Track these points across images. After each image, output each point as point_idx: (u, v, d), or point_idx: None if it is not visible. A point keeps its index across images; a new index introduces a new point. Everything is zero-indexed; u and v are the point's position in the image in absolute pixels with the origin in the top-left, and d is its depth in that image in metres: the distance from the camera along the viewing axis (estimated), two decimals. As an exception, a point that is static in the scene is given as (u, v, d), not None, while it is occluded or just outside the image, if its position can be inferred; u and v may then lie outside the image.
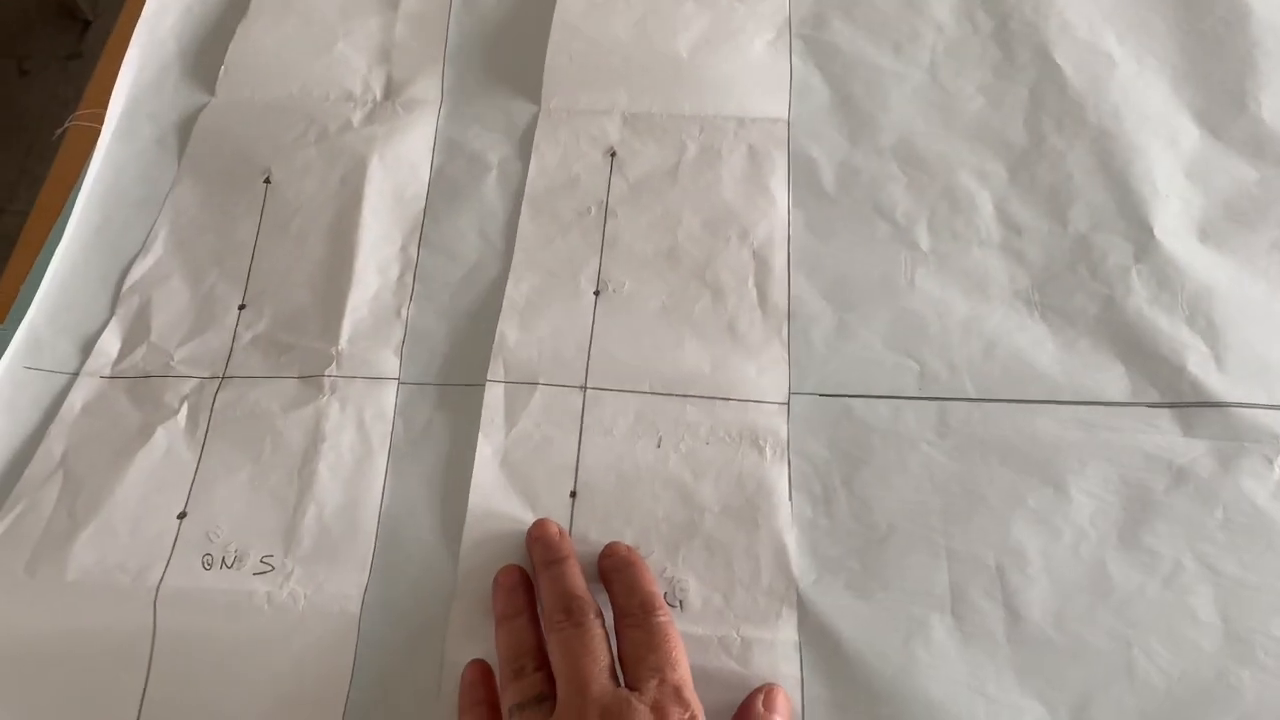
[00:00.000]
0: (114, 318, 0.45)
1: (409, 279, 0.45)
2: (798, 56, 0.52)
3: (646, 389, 0.42)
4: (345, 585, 0.38)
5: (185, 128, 0.51)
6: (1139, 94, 0.51)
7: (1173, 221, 0.47)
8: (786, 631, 0.37)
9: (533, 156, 0.48)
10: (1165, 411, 0.42)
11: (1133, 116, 0.50)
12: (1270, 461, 0.40)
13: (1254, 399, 0.42)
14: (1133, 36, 0.53)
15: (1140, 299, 0.45)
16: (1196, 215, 0.47)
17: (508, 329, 0.43)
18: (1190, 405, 0.42)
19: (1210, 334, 0.44)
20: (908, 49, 0.53)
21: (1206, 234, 0.46)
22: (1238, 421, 0.41)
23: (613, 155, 0.48)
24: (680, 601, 0.38)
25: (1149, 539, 0.39)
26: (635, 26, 0.51)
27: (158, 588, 0.38)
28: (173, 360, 0.44)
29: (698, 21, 0.51)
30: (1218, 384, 0.42)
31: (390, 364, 0.43)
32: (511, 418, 0.41)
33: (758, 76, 0.50)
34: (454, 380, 0.43)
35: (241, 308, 0.45)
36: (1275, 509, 0.40)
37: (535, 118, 0.49)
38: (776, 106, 0.49)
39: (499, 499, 0.39)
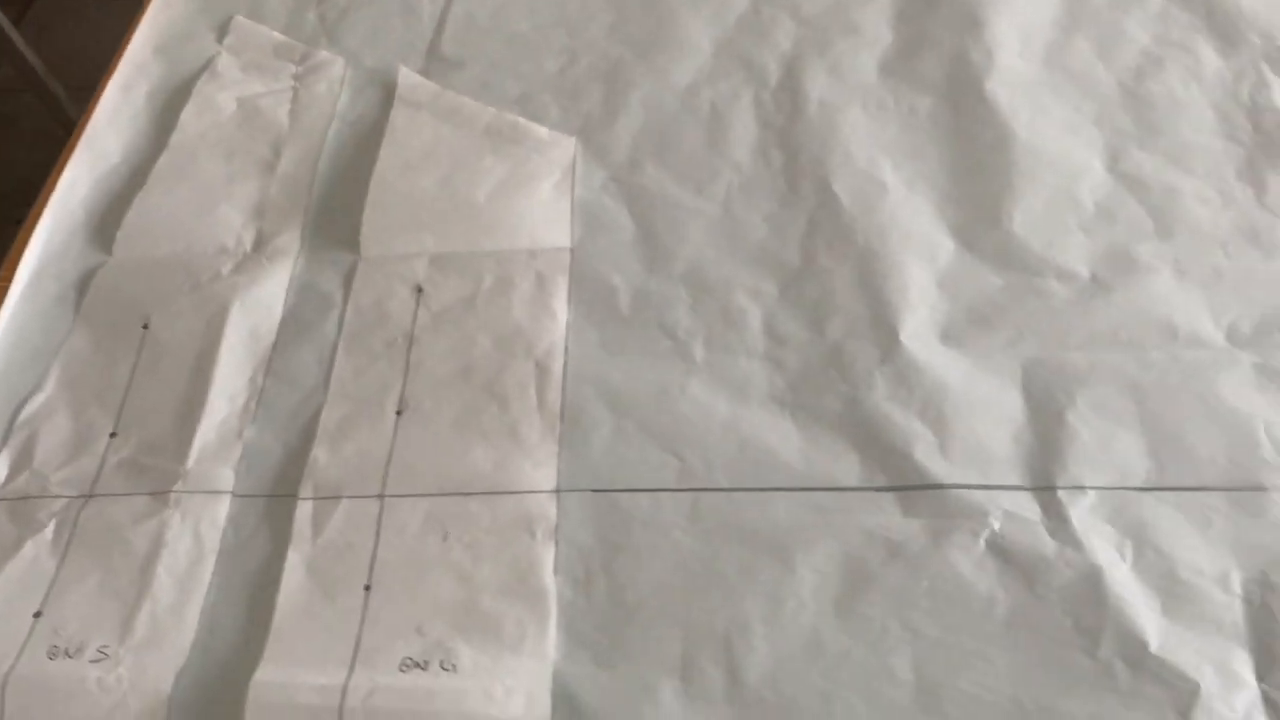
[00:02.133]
0: (5, 449, 0.53)
1: (253, 404, 0.53)
2: (611, 197, 0.61)
3: (436, 491, 0.49)
4: (164, 669, 0.44)
5: (84, 284, 0.59)
6: (905, 216, 0.58)
7: (919, 327, 0.53)
8: (542, 691, 0.42)
9: (350, 298, 0.56)
10: (889, 494, 0.48)
11: (897, 235, 0.57)
12: (977, 535, 0.46)
13: (969, 480, 0.48)
14: (907, 164, 0.61)
15: (880, 395, 0.51)
16: (941, 320, 0.54)
17: (319, 452, 0.50)
18: (912, 488, 0.48)
19: (939, 425, 0.50)
20: (708, 187, 0.61)
21: (949, 336, 0.53)
22: (953, 502, 0.47)
23: (419, 291, 0.56)
24: (452, 666, 0.44)
25: (861, 607, 0.44)
26: (441, 180, 0.60)
27: (7, 676, 0.44)
28: (49, 482, 0.51)
29: (496, 171, 0.60)
30: (939, 469, 0.48)
31: (227, 479, 0.50)
32: (318, 528, 0.48)
33: (545, 213, 0.58)
34: (280, 493, 0.50)
35: (112, 435, 0.53)
36: (976, 577, 0.45)
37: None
38: (561, 237, 0.57)
39: (303, 598, 0.46)
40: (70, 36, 1.88)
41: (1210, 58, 0.64)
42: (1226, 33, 0.65)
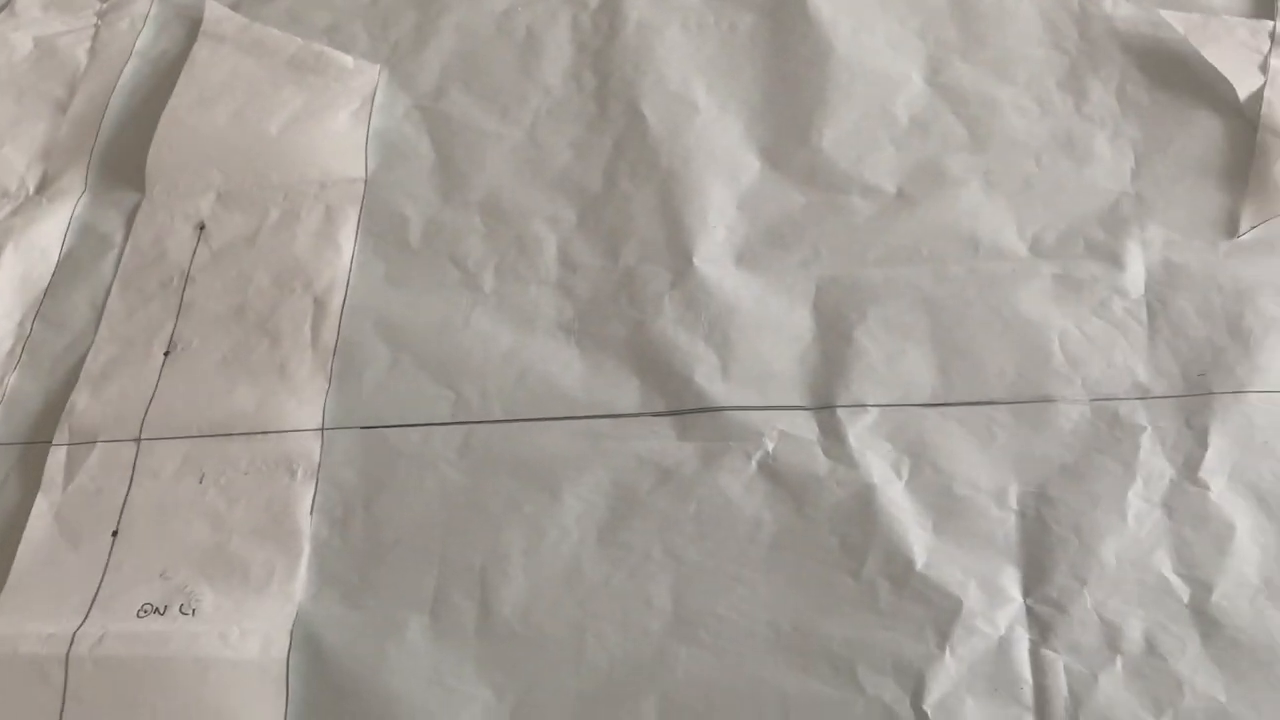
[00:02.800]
0: None
1: (19, 350, 0.50)
2: (412, 125, 0.58)
3: (195, 433, 0.46)
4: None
5: None
6: (713, 137, 0.56)
7: (714, 250, 0.51)
8: (281, 633, 0.41)
9: (129, 238, 0.53)
10: (667, 419, 0.46)
11: (701, 157, 0.55)
12: (749, 456, 0.44)
13: (748, 402, 0.46)
14: (721, 84, 0.58)
15: (667, 320, 0.49)
16: (738, 242, 0.51)
17: (78, 397, 0.48)
18: (688, 412, 0.46)
19: (724, 348, 0.48)
20: (513, 112, 0.58)
21: (743, 258, 0.51)
22: (728, 422, 0.45)
23: (201, 229, 0.53)
24: (193, 610, 0.42)
25: (625, 535, 0.43)
26: (234, 114, 0.57)
27: None
28: None
29: (293, 103, 0.57)
30: (719, 391, 0.46)
31: (-18, 426, 0.48)
32: (70, 475, 0.46)
33: (339, 144, 0.55)
34: (38, 439, 0.48)
35: None
36: (745, 500, 0.43)
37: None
38: (354, 168, 0.54)
39: (46, 547, 0.44)
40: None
41: (1044, -35, 0.62)
42: (1063, -61, 0.63)
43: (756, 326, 0.48)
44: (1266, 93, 0.52)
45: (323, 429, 0.46)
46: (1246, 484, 0.41)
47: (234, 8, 0.65)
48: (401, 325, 0.50)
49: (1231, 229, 0.49)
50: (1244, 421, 0.43)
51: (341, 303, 0.50)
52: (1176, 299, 0.47)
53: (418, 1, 0.64)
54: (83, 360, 0.50)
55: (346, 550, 0.43)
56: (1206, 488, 0.42)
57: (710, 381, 0.46)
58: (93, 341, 0.50)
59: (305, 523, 0.44)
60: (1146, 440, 0.43)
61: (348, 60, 0.60)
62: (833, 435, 0.44)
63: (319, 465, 0.45)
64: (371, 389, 0.48)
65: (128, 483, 0.45)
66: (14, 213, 0.56)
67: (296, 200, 0.54)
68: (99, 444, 0.46)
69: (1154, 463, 0.42)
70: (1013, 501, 0.42)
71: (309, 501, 0.44)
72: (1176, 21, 0.55)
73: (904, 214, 0.51)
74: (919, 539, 0.41)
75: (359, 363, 0.49)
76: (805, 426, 0.45)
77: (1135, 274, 0.48)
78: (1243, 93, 0.52)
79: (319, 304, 0.50)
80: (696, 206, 0.53)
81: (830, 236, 0.51)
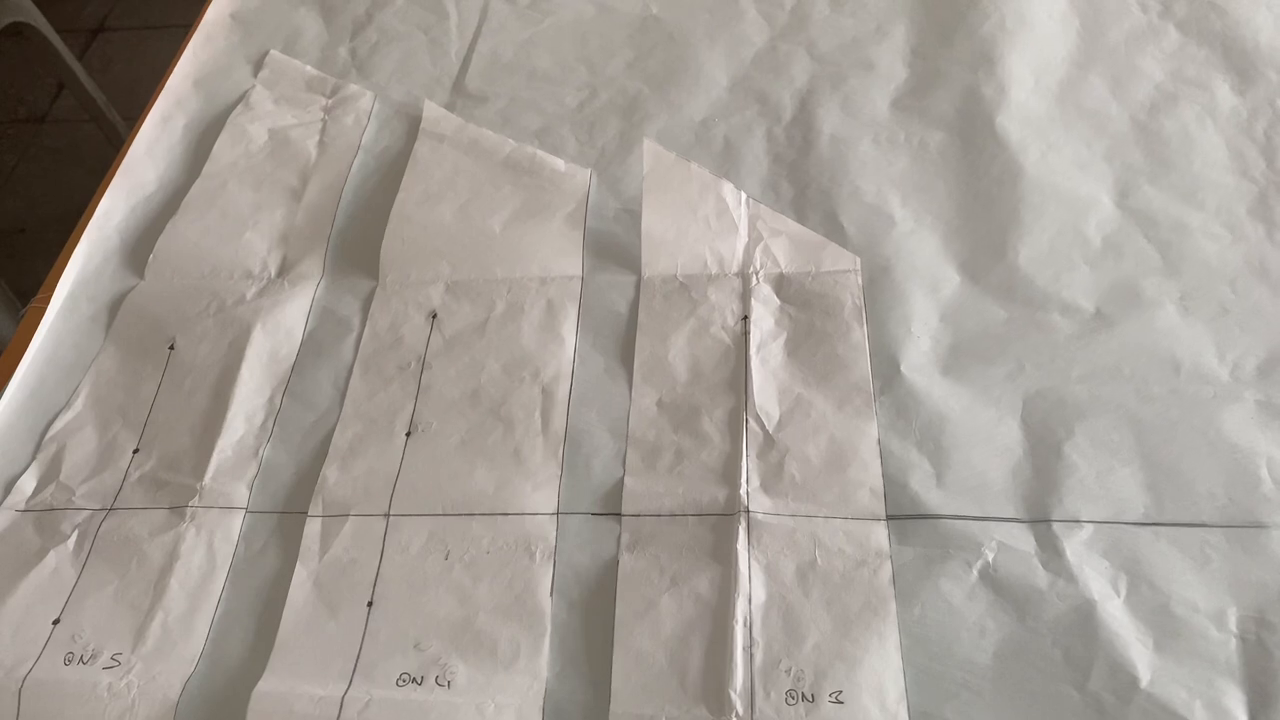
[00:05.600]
0: (34, 463, 0.55)
1: (270, 424, 0.55)
2: (622, 227, 0.62)
3: (440, 511, 0.50)
4: (172, 677, 0.46)
5: (117, 305, 0.62)
6: (911, 248, 0.59)
7: (920, 359, 0.54)
8: (533, 709, 0.43)
9: (367, 323, 0.58)
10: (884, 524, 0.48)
11: (902, 267, 0.58)
12: (970, 565, 0.46)
13: (965, 511, 0.48)
14: (915, 198, 0.61)
15: (879, 426, 0.51)
16: (943, 353, 0.54)
17: (329, 471, 0.52)
18: (907, 518, 0.48)
19: (937, 456, 0.50)
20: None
21: (949, 368, 0.53)
22: (947, 530, 0.47)
23: (434, 317, 0.57)
24: (448, 682, 0.45)
25: (851, 634, 0.45)
26: (459, 210, 0.62)
27: (24, 680, 0.46)
28: (74, 495, 0.53)
29: (512, 202, 0.62)
30: (935, 499, 0.48)
31: (241, 495, 0.52)
32: (325, 545, 0.49)
33: (557, 242, 0.60)
34: (291, 509, 0.52)
35: (135, 451, 0.55)
36: (968, 607, 0.45)
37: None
38: (572, 265, 0.58)
39: (308, 612, 0.48)
40: (130, 70, 1.95)
41: (1225, 94, 0.64)
42: (1243, 69, 0.65)
43: (968, 436, 0.50)
44: None
45: (558, 513, 0.49)
46: None
47: (449, 107, 0.71)
48: (623, 417, 0.53)
49: None
50: None
51: (568, 393, 0.53)
52: (1382, 430, 0.48)
53: (622, 109, 0.69)
54: (329, 436, 0.54)
55: (585, 632, 0.46)
56: None
57: (925, 489, 0.49)
58: (338, 418, 0.54)
59: (547, 603, 0.47)
60: (1363, 570, 0.44)
61: (560, 163, 0.65)
62: (1050, 549, 0.46)
63: (555, 548, 0.48)
64: (599, 477, 0.51)
65: (379, 556, 0.49)
66: (260, 294, 0.61)
67: (520, 294, 0.58)
68: (351, 517, 0.50)
69: (1373, 593, 0.43)
70: (1232, 625, 0.44)
71: (548, 583, 0.47)
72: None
73: (1103, 332, 0.53)
74: (1141, 656, 0.43)
75: (586, 451, 0.52)
76: (1023, 539, 0.47)
77: (1339, 404, 0.49)
78: None
79: (546, 393, 0.54)
80: (900, 315, 0.55)
81: (1033, 352, 0.53)
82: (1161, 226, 0.58)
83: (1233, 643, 0.43)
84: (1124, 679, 0.42)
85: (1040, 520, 0.47)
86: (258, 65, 0.76)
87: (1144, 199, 0.59)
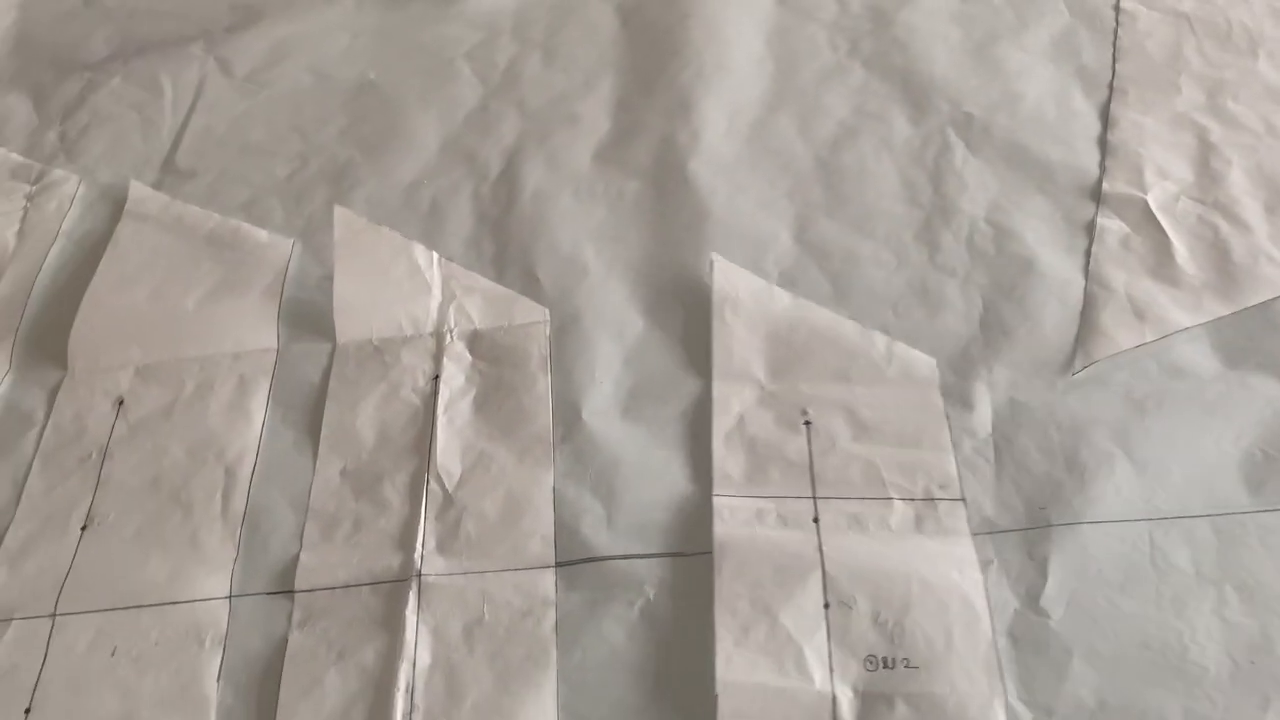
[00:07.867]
0: None
1: (-62, 533, 0.53)
2: (324, 295, 0.62)
3: (109, 606, 0.49)
4: None
5: None
6: (600, 298, 0.60)
7: (602, 403, 0.55)
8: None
9: (51, 416, 0.56)
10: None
11: (590, 317, 0.59)
12: (632, 605, 0.47)
13: (631, 550, 0.49)
14: (608, 248, 0.63)
15: (558, 474, 0.52)
16: (623, 396, 0.56)
17: (-4, 575, 0.50)
18: (574, 563, 0.49)
19: (609, 498, 0.51)
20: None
21: (628, 411, 0.55)
22: (610, 571, 0.48)
23: (120, 404, 0.56)
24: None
25: (515, 688, 0.45)
26: (154, 291, 0.61)
27: None
28: None
29: (209, 278, 0.62)
30: (604, 541, 0.50)
31: (-99, 614, 0.50)
32: (-17, 654, 0.48)
33: (252, 317, 0.59)
34: (-48, 619, 0.50)
35: None
36: (628, 648, 0.46)
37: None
38: (266, 339, 0.58)
39: (-39, 724, 0.46)
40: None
41: (902, 125, 0.68)
42: (918, 101, 0.70)
43: (638, 477, 0.52)
44: (1094, 248, 0.58)
45: (230, 596, 0.49)
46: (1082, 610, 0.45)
47: (157, 185, 0.70)
48: (307, 492, 0.53)
49: (1067, 367, 0.54)
50: (1079, 551, 0.47)
51: (251, 471, 0.53)
52: (1020, 436, 0.52)
53: (331, 176, 0.69)
54: (1, 539, 0.52)
55: (249, 716, 0.46)
56: (1047, 615, 0.46)
57: (596, 532, 0.50)
58: (12, 518, 0.53)
59: (212, 691, 0.46)
60: (993, 573, 0.47)
61: (263, 235, 0.65)
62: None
63: (226, 634, 0.48)
64: (276, 555, 0.51)
65: (42, 659, 0.47)
66: (-62, 397, 0.59)
67: (211, 372, 0.57)
68: (15, 620, 0.49)
69: (999, 594, 0.46)
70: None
71: (215, 670, 0.46)
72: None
73: (774, 365, 0.56)
74: (787, 678, 0.45)
75: (264, 530, 0.52)
76: (684, 573, 0.48)
77: (983, 415, 0.53)
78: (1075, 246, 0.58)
79: (229, 473, 0.53)
80: (585, 362, 0.57)
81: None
82: (834, 258, 0.61)
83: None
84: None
85: (701, 553, 0.49)
86: (-42, 157, 0.74)
87: (819, 232, 0.62)
